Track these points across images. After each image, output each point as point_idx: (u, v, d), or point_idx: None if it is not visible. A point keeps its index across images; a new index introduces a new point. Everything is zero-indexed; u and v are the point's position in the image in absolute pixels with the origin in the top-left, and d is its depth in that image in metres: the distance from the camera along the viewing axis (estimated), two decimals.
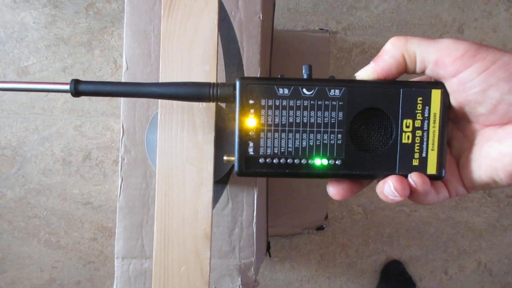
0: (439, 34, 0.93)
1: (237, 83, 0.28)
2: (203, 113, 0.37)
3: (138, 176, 0.50)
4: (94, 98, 0.86)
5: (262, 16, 0.52)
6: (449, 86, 0.26)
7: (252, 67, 0.52)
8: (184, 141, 0.37)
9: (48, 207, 0.84)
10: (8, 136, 0.86)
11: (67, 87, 0.30)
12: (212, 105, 0.36)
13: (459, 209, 0.91)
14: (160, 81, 0.36)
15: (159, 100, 0.36)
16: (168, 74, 0.36)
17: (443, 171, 0.27)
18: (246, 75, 0.53)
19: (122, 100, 0.51)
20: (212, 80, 0.35)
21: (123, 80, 0.49)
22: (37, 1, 0.87)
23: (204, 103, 0.36)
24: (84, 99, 0.86)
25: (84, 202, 0.84)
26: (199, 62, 0.36)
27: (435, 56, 0.25)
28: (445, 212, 0.91)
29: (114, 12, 0.87)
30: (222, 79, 0.51)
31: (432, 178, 0.27)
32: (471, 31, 0.93)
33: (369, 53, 0.92)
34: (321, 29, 0.91)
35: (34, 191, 0.85)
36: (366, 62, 0.93)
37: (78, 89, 0.30)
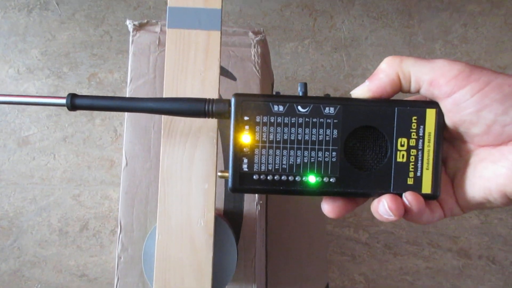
0: None
1: (233, 100, 0.28)
2: (201, 231, 0.36)
3: (135, 276, 0.49)
4: (93, 167, 0.87)
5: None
6: (444, 106, 0.26)
7: None
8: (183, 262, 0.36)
9: (43, 280, 0.82)
10: (5, 207, 0.85)
11: (64, 101, 0.30)
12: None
13: (463, 277, 0.89)
14: (159, 199, 0.36)
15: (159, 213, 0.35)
16: (168, 193, 0.36)
17: (438, 191, 0.27)
18: (245, 195, 0.53)
19: (120, 193, 0.51)
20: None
21: (122, 179, 0.49)
22: (40, 72, 0.89)
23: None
24: (83, 167, 0.86)
25: (79, 274, 0.82)
26: (199, 180, 0.36)
27: (429, 76, 0.25)
28: (449, 281, 0.89)
29: (116, 82, 0.89)
30: (221, 198, 0.51)
31: (427, 197, 0.27)
32: None
33: None
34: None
35: (29, 263, 0.83)
36: None
37: (75, 103, 0.30)
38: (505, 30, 0.96)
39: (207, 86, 0.38)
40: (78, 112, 0.88)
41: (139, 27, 0.52)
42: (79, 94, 0.30)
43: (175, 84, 0.37)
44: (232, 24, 0.93)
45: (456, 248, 0.90)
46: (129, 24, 0.52)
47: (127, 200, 0.50)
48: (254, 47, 0.53)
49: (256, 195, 0.51)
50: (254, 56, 0.53)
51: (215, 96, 0.37)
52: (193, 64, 0.37)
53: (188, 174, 0.36)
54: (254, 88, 0.52)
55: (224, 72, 0.52)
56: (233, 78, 0.53)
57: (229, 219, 0.50)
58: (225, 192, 0.50)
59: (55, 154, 0.87)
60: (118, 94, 0.89)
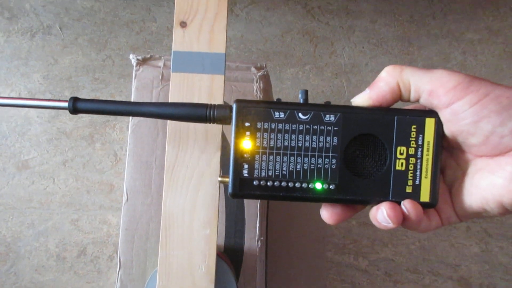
0: None
1: (234, 105, 0.28)
2: (203, 277, 0.36)
3: None
4: (93, 191, 0.86)
5: None
6: (443, 116, 0.27)
7: (251, 225, 0.52)
8: None
9: None
10: (3, 232, 0.84)
11: (66, 104, 0.30)
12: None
13: None
14: (160, 244, 0.36)
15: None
16: (169, 238, 0.36)
17: (436, 199, 0.27)
18: (246, 232, 0.53)
19: (120, 229, 0.50)
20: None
21: (122, 214, 0.49)
22: (42, 96, 0.89)
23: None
24: (82, 192, 0.86)
25: None
26: (201, 226, 0.36)
27: (429, 86, 0.26)
28: None
29: None
30: (221, 236, 0.51)
31: (425, 205, 0.27)
32: None
33: None
34: None
35: None
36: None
37: (77, 106, 0.30)
38: (503, 58, 0.97)
39: (209, 133, 0.38)
40: (79, 136, 0.88)
41: (142, 62, 0.53)
42: (81, 98, 0.30)
43: (178, 128, 0.37)
44: (233, 50, 0.94)
45: (457, 277, 0.89)
46: (133, 58, 0.53)
47: (127, 236, 0.49)
48: (257, 82, 0.53)
49: (257, 230, 0.51)
50: (257, 91, 0.53)
51: (218, 143, 0.37)
52: None
53: (190, 219, 0.36)
54: None
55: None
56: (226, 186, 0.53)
57: (229, 256, 0.49)
58: (226, 229, 0.49)
59: (54, 178, 0.86)
60: (118, 119, 0.89)
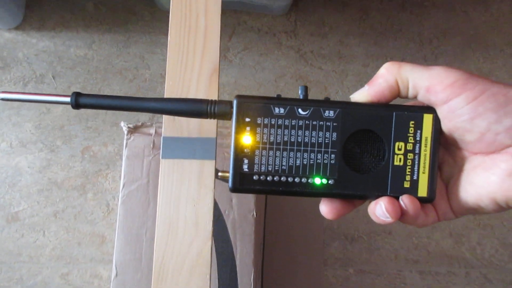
0: None
1: (235, 101, 0.28)
2: None
3: None
4: (84, 243, 0.84)
5: (256, 214, 0.52)
6: (440, 112, 0.27)
7: (245, 267, 0.50)
8: None
9: None
10: None
11: (68, 99, 0.30)
12: None
13: None
14: None
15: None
16: None
17: (434, 195, 0.28)
18: (239, 277, 0.52)
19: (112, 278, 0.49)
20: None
21: None
22: (33, 146, 0.88)
23: None
24: (73, 244, 0.84)
25: None
26: None
27: (427, 83, 0.26)
28: None
29: (110, 155, 0.88)
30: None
31: (422, 200, 0.27)
32: None
33: None
34: None
35: None
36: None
37: (79, 101, 0.30)
38: None
39: (200, 212, 0.37)
40: (70, 186, 0.86)
41: (134, 130, 0.52)
42: (84, 93, 0.31)
43: (168, 214, 0.36)
44: (227, 96, 0.94)
45: None
46: (124, 126, 0.52)
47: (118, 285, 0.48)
48: None
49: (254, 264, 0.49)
50: None
51: (209, 229, 0.36)
52: (186, 194, 0.37)
53: None
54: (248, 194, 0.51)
55: (218, 175, 0.52)
56: (227, 181, 0.52)
57: None
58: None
59: (44, 230, 0.85)
60: (111, 167, 0.88)
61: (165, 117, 0.38)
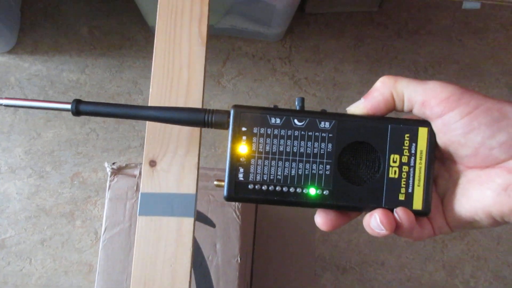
0: None
1: (232, 111, 0.28)
2: None
3: None
4: (71, 272, 0.83)
5: (241, 259, 0.51)
6: (435, 126, 0.27)
7: None
8: None
9: None
10: None
11: (69, 106, 0.31)
12: None
13: None
14: None
15: None
16: None
17: (429, 208, 0.28)
18: None
19: None
20: None
21: None
22: (22, 171, 0.87)
23: None
24: (60, 273, 0.83)
25: None
26: None
27: (422, 97, 0.26)
28: None
29: (99, 181, 0.87)
30: None
31: (417, 213, 0.27)
32: None
33: (355, 219, 0.91)
34: None
35: None
36: (352, 228, 0.91)
37: (79, 109, 0.31)
38: None
39: (177, 273, 0.36)
40: (58, 213, 0.85)
41: (117, 171, 0.51)
42: (84, 100, 0.31)
43: (143, 273, 0.35)
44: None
45: None
46: (107, 167, 0.51)
47: None
48: None
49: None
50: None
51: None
52: (163, 254, 0.36)
53: None
54: (233, 235, 0.50)
55: (202, 218, 0.51)
56: (212, 224, 0.51)
57: None
58: None
59: (31, 258, 0.83)
60: (100, 194, 0.87)
61: (143, 171, 0.37)
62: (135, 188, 0.50)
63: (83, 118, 0.90)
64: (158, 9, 0.42)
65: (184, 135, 0.38)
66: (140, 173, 0.51)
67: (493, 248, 0.91)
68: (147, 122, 0.38)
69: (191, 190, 0.37)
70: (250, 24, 0.91)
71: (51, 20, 0.95)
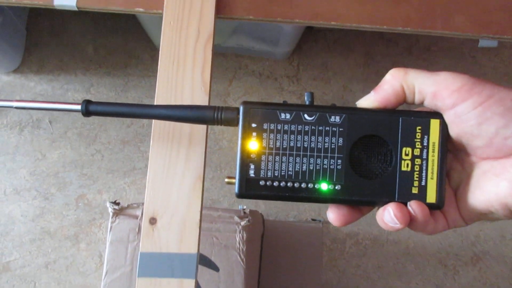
0: None
1: (241, 107, 0.28)
2: None
3: None
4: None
5: None
6: (447, 117, 0.27)
7: None
8: None
9: None
10: None
11: (79, 107, 0.31)
12: None
13: None
14: None
15: None
16: None
17: (443, 201, 0.27)
18: None
19: None
20: None
21: None
22: (27, 193, 0.86)
23: None
24: None
25: None
26: None
27: (433, 89, 0.26)
28: None
29: (104, 203, 0.87)
30: None
31: (431, 207, 0.27)
32: None
33: (363, 244, 0.89)
34: (314, 220, 0.90)
35: None
36: (360, 253, 0.89)
37: (89, 109, 0.31)
38: None
39: None
40: (63, 235, 0.85)
41: (119, 211, 0.50)
42: (94, 101, 0.32)
43: None
44: (226, 143, 0.92)
45: None
46: (109, 207, 0.50)
47: None
48: (240, 232, 0.50)
49: None
50: (239, 243, 0.50)
51: None
52: None
53: None
54: (237, 280, 0.49)
55: (206, 262, 0.49)
56: (215, 268, 0.49)
57: None
58: None
59: (35, 282, 0.83)
60: (105, 216, 0.86)
61: (143, 229, 0.36)
62: (136, 230, 0.49)
63: (89, 139, 0.89)
64: (159, 55, 0.40)
65: (186, 188, 0.37)
66: (142, 214, 0.50)
67: (506, 275, 0.88)
68: (147, 176, 0.37)
69: (193, 249, 0.35)
70: (257, 43, 0.89)
71: (56, 38, 0.94)
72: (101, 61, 0.94)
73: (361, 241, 0.90)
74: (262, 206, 0.90)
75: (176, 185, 0.37)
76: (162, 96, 0.39)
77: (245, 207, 0.81)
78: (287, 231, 0.89)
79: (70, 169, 0.88)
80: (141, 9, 0.43)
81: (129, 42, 0.95)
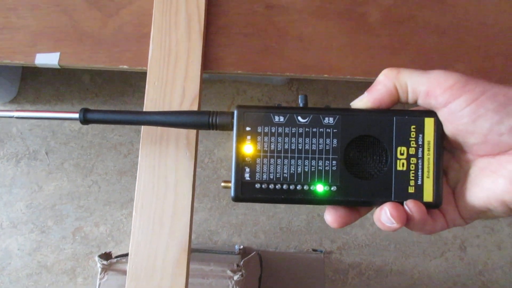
0: (441, 252, 0.88)
1: (235, 111, 0.28)
2: None
3: None
4: None
5: None
6: (441, 115, 0.27)
7: None
8: None
9: None
10: None
11: (77, 115, 0.32)
12: None
13: None
14: None
15: None
16: None
17: (440, 199, 0.27)
18: None
19: None
20: None
21: None
22: (24, 226, 0.85)
23: None
24: None
25: None
26: None
27: (425, 87, 0.26)
28: None
29: (101, 236, 0.85)
30: None
31: (428, 206, 0.27)
32: (474, 249, 0.89)
33: (367, 275, 0.87)
34: (315, 250, 0.88)
35: None
36: (363, 284, 0.86)
37: (87, 117, 0.32)
38: None
39: None
40: (60, 270, 0.84)
41: (108, 267, 0.48)
42: (91, 109, 0.32)
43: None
44: (224, 172, 0.91)
45: None
46: (98, 262, 0.49)
47: None
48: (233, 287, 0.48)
49: None
50: None
51: None
52: None
53: None
54: None
55: None
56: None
57: None
58: None
59: None
60: (102, 249, 0.85)
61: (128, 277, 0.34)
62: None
63: (85, 169, 0.88)
64: (141, 134, 0.39)
65: (170, 262, 0.35)
66: None
67: None
68: (129, 248, 0.36)
69: None
70: None
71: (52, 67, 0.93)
72: (98, 90, 0.93)
73: (364, 271, 0.88)
74: (262, 236, 0.89)
75: (160, 258, 0.35)
76: (145, 166, 0.37)
77: (241, 246, 0.79)
78: (287, 262, 0.87)
79: (67, 201, 0.87)
80: (125, 66, 0.41)
81: (125, 70, 0.94)
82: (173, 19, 0.39)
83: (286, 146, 0.28)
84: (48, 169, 0.88)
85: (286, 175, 0.28)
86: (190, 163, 0.37)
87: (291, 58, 0.42)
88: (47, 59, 0.40)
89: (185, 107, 0.38)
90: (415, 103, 0.27)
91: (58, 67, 0.40)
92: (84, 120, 0.32)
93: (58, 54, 0.40)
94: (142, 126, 0.38)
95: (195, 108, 0.38)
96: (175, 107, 0.38)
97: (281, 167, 0.28)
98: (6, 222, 0.86)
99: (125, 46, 0.41)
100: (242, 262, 0.50)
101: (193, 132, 0.37)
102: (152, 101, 0.38)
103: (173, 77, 0.39)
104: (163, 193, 0.36)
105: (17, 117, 0.34)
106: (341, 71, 0.43)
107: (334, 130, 0.28)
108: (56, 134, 0.90)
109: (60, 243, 0.85)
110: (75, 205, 0.87)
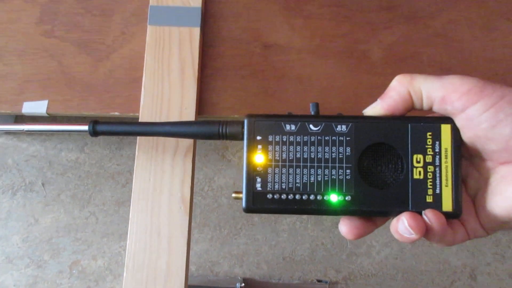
0: (450, 282, 0.85)
1: (245, 120, 0.27)
2: None
3: None
4: None
5: None
6: (458, 122, 0.26)
7: None
8: None
9: None
10: None
11: (86, 127, 0.32)
12: None
13: None
14: None
15: None
16: None
17: (460, 209, 0.26)
18: None
19: None
20: None
21: None
22: (20, 261, 0.83)
23: None
24: None
25: None
26: None
27: (441, 93, 0.25)
28: None
29: (99, 270, 0.83)
30: None
31: (448, 216, 0.26)
32: (485, 277, 0.86)
33: None
34: (319, 281, 0.85)
35: None
36: None
37: (96, 129, 0.32)
38: None
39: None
40: None
41: None
42: (100, 121, 0.32)
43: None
44: (225, 201, 0.88)
45: None
46: None
47: None
48: None
49: None
50: None
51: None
52: None
53: None
54: None
55: None
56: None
57: None
58: None
59: None
60: (100, 284, 0.82)
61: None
62: None
63: (82, 201, 0.86)
64: (134, 171, 0.37)
65: None
66: None
67: None
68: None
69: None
70: None
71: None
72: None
73: None
74: (265, 267, 0.86)
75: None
76: (138, 220, 0.35)
77: (243, 284, 0.77)
78: None
79: (64, 234, 0.84)
80: (116, 113, 0.39)
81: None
82: (166, 63, 0.38)
83: (298, 155, 0.27)
84: (44, 201, 0.86)
85: (299, 185, 0.27)
86: (185, 218, 0.35)
87: (291, 100, 0.40)
88: (35, 107, 0.38)
89: (179, 158, 0.36)
90: (430, 110, 0.26)
91: (47, 115, 0.38)
92: (94, 132, 0.32)
93: (46, 102, 0.38)
94: (135, 169, 0.36)
95: (189, 163, 0.36)
96: (167, 159, 0.36)
97: (293, 177, 0.27)
98: (1, 257, 0.83)
99: (116, 92, 0.39)
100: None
101: (187, 185, 0.35)
102: (143, 153, 0.36)
103: None
104: (156, 250, 0.34)
105: (26, 131, 0.34)
106: (344, 112, 0.41)
107: (347, 138, 0.27)
108: (52, 164, 0.88)
109: (57, 278, 0.82)
110: (72, 238, 0.84)
